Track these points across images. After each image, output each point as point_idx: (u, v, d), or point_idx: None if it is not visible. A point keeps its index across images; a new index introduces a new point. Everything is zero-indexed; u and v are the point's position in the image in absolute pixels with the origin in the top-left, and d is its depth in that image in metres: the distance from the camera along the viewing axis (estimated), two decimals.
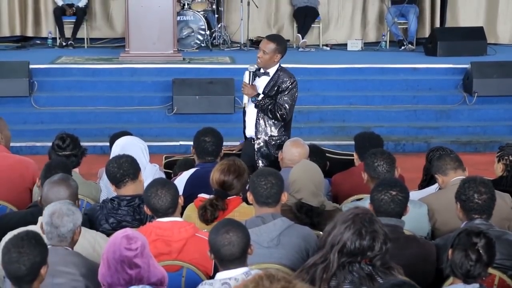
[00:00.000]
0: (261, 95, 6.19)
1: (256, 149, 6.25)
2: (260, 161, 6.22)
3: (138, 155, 5.06)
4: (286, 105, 6.16)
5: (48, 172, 4.66)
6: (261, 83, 6.26)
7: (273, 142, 6.24)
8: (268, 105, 6.16)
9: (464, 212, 4.23)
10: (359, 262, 3.43)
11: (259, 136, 6.25)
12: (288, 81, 6.18)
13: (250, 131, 6.35)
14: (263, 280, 2.76)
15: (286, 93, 6.17)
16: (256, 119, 6.25)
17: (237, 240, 3.46)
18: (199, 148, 5.45)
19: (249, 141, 6.35)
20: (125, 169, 4.62)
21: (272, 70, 6.24)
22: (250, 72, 6.26)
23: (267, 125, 6.23)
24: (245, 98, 6.34)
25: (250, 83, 6.24)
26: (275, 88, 6.19)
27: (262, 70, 6.26)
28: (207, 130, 5.56)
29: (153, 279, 3.45)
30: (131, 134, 5.86)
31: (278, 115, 6.16)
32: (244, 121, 6.43)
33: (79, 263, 3.72)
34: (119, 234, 3.50)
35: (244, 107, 6.41)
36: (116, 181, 4.64)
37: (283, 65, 6.32)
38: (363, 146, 5.41)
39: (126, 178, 4.62)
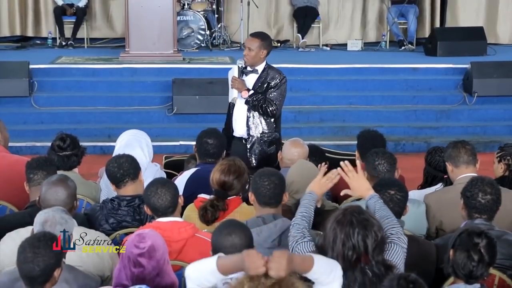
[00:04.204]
0: (251, 91, 6.22)
1: (248, 148, 6.27)
2: (253, 159, 6.23)
3: (138, 154, 5.05)
4: (276, 101, 6.21)
5: (31, 172, 4.69)
6: (249, 81, 6.29)
7: (265, 139, 6.27)
8: (260, 100, 6.18)
9: (466, 209, 4.23)
10: (362, 266, 3.36)
11: (251, 134, 6.27)
12: (278, 78, 6.25)
13: (240, 130, 6.33)
14: (258, 275, 2.76)
15: (276, 89, 6.22)
16: (247, 117, 6.27)
17: (240, 242, 3.45)
18: (201, 149, 5.46)
19: (238, 141, 6.32)
20: (125, 169, 4.62)
21: (260, 68, 6.29)
22: (239, 66, 6.27)
23: (258, 122, 6.26)
24: (234, 93, 6.29)
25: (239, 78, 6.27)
26: (265, 85, 6.23)
27: (249, 69, 6.29)
28: (211, 132, 5.56)
29: (160, 285, 3.41)
30: None
31: (268, 110, 6.20)
32: (230, 120, 6.38)
33: (70, 279, 3.61)
34: (137, 231, 3.50)
35: (232, 103, 6.34)
36: (116, 181, 4.64)
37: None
38: (366, 147, 5.31)
39: (126, 178, 4.62)
